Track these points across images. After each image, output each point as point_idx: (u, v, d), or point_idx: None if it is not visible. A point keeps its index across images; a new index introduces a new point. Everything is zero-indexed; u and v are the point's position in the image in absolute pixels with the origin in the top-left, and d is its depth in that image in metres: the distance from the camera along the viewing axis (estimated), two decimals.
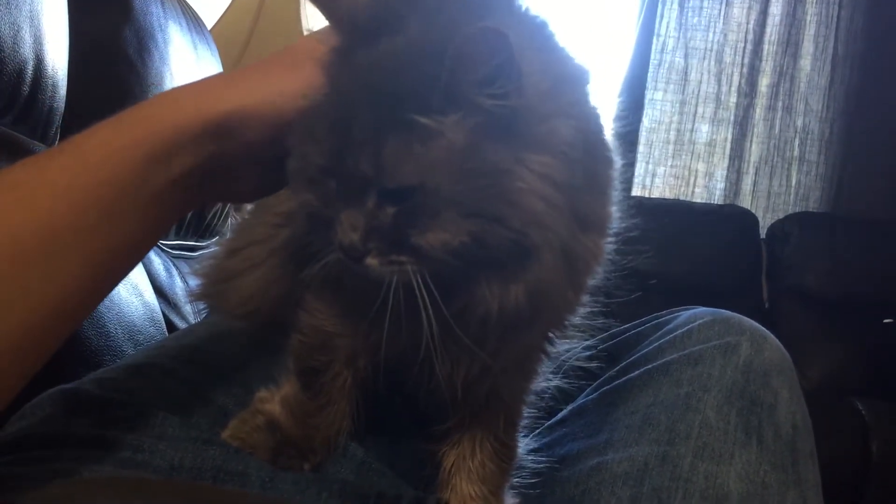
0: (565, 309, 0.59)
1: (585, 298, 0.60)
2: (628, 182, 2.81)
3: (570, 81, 0.52)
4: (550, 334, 0.62)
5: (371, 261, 0.48)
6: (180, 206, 0.54)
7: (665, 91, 2.95)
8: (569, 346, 0.70)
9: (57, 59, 0.89)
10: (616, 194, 0.56)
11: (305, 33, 2.08)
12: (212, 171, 0.53)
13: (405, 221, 0.47)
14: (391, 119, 0.46)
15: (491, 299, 0.49)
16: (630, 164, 2.80)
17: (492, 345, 0.54)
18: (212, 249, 0.83)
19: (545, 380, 0.68)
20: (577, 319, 0.63)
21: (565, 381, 0.72)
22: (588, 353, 0.74)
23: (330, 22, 0.53)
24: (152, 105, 0.52)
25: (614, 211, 0.57)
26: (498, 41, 0.44)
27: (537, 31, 0.53)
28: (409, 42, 0.47)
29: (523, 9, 0.53)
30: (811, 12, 2.92)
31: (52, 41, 0.88)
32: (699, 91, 2.95)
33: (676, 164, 2.97)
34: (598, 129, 0.54)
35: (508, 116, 0.46)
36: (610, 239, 0.57)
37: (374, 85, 0.47)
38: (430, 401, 0.62)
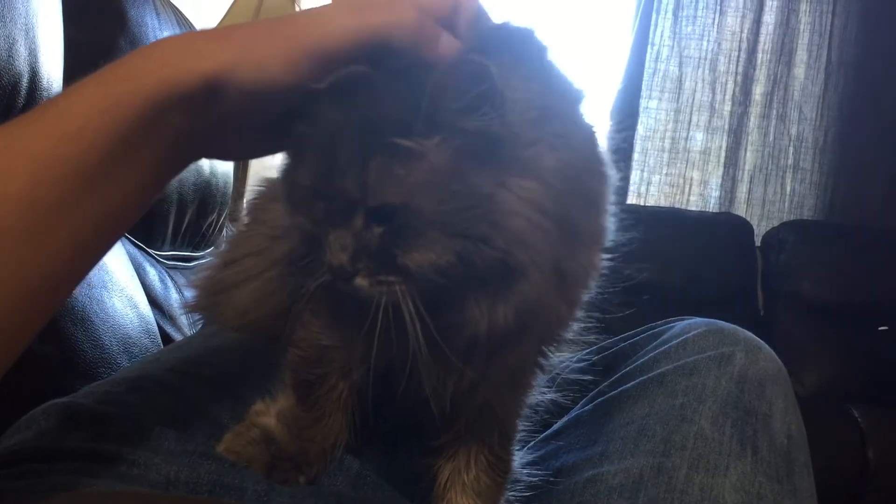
0: (558, 324, 0.59)
1: (580, 314, 0.61)
2: (623, 191, 2.82)
3: (555, 110, 0.52)
4: (544, 349, 0.62)
5: (360, 281, 0.48)
6: (173, 165, 0.51)
7: (660, 99, 2.97)
8: (563, 359, 0.70)
9: (52, 72, 0.89)
10: (611, 208, 0.56)
11: None
12: (204, 131, 0.50)
13: (391, 241, 0.47)
14: (374, 142, 0.46)
15: (480, 318, 0.49)
16: (624, 173, 2.82)
17: (480, 361, 0.55)
18: (207, 260, 0.83)
19: (540, 393, 0.68)
20: (570, 335, 0.63)
21: (560, 393, 0.72)
22: (582, 364, 0.74)
23: None
24: (137, 60, 0.48)
25: (609, 224, 0.57)
26: (480, 72, 0.45)
27: (528, 60, 0.52)
28: (394, 71, 0.48)
29: (518, 34, 0.53)
30: (805, 21, 2.94)
31: (48, 53, 0.88)
32: (693, 99, 2.96)
33: (671, 172, 2.99)
34: (592, 146, 0.54)
35: (491, 142, 0.47)
36: (605, 255, 0.58)
37: (358, 110, 0.47)
38: (423, 414, 0.62)
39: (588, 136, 0.55)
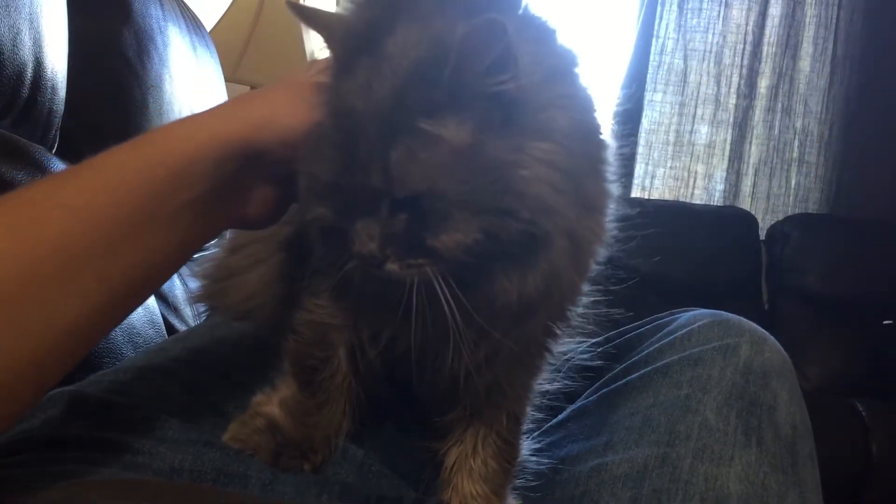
0: (568, 295, 0.59)
1: (586, 287, 0.61)
2: (627, 184, 2.81)
3: (561, 71, 0.53)
4: (553, 327, 0.62)
5: (391, 266, 0.49)
6: (197, 230, 0.53)
7: (664, 92, 2.96)
8: (570, 347, 0.70)
9: (56, 62, 0.89)
10: (611, 173, 0.57)
11: (304, 36, 2.08)
12: (229, 192, 0.53)
13: (419, 226, 0.47)
14: (396, 127, 0.47)
15: (510, 289, 0.50)
16: (628, 167, 2.81)
17: (503, 329, 0.55)
18: (212, 251, 0.83)
19: (549, 382, 0.68)
20: (580, 309, 0.63)
21: (568, 380, 0.72)
22: (588, 355, 0.74)
23: (322, 37, 0.54)
24: (171, 128, 0.53)
25: (613, 188, 0.57)
26: (498, 31, 0.45)
27: (527, 24, 0.53)
28: (404, 48, 0.48)
29: (515, 3, 0.53)
30: (810, 14, 2.92)
31: (52, 43, 0.88)
32: (698, 92, 2.95)
33: (676, 165, 2.98)
34: (590, 110, 0.55)
35: (508, 107, 0.47)
36: (610, 217, 0.58)
37: (375, 95, 0.48)
38: (431, 392, 0.62)
39: (588, 99, 0.55)
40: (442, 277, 0.48)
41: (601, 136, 0.56)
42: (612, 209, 0.58)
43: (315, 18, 0.56)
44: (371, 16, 0.52)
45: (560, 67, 0.53)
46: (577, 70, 0.55)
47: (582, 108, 0.53)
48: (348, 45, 0.51)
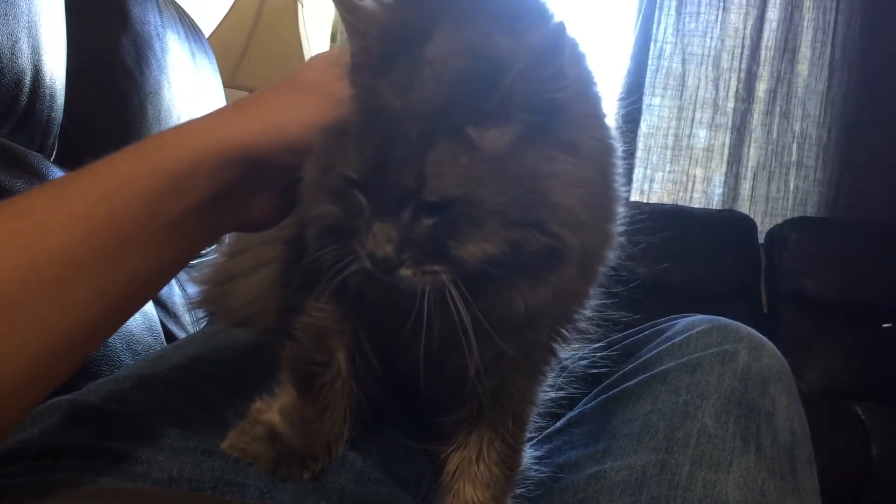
0: (577, 300, 0.59)
1: (592, 291, 0.61)
2: (627, 185, 2.81)
3: (587, 90, 0.53)
4: (559, 328, 0.61)
5: (404, 272, 0.48)
6: (197, 237, 0.53)
7: (663, 96, 2.96)
8: (570, 354, 0.70)
9: (55, 69, 0.90)
10: (619, 178, 0.57)
11: (303, 42, 2.09)
12: (230, 199, 0.53)
13: (445, 232, 0.47)
14: (438, 130, 0.46)
15: (519, 301, 0.50)
16: (627, 172, 2.81)
17: (510, 336, 0.55)
18: (212, 257, 0.83)
19: (554, 388, 0.68)
20: (588, 311, 0.63)
21: (570, 387, 0.72)
22: (586, 361, 0.74)
23: (353, 33, 0.52)
24: (172, 134, 0.52)
25: (621, 192, 0.57)
26: (563, 37, 0.46)
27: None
28: (448, 53, 0.47)
29: (549, 14, 0.54)
30: (808, 18, 2.93)
31: (50, 51, 0.88)
32: (697, 96, 2.96)
33: (674, 169, 2.98)
34: (604, 119, 0.55)
35: (548, 117, 0.47)
36: (619, 222, 0.58)
37: (417, 96, 0.47)
38: (438, 393, 0.62)
39: (601, 111, 0.56)
40: (456, 286, 0.48)
41: (611, 141, 0.56)
42: (621, 212, 0.58)
43: (354, 11, 0.54)
44: (407, 17, 0.51)
45: (585, 86, 0.53)
46: (596, 89, 0.55)
47: (600, 125, 0.54)
48: (384, 42, 0.50)
